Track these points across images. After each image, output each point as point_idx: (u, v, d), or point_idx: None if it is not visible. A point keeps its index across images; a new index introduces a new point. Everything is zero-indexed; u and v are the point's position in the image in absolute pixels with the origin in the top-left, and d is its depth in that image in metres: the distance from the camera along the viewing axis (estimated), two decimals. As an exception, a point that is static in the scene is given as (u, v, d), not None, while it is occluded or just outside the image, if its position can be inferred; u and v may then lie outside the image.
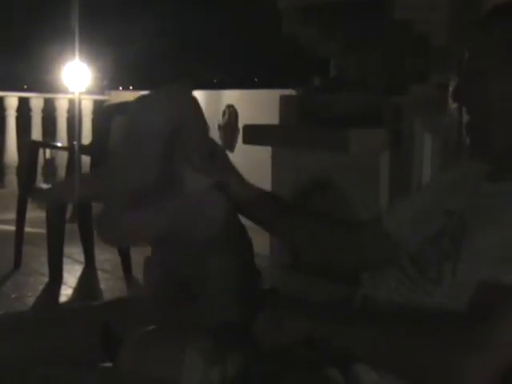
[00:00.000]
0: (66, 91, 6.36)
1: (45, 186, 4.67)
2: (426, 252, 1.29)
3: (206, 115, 1.52)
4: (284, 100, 3.95)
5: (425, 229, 1.34)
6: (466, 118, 1.31)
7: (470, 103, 1.29)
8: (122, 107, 4.66)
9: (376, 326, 1.18)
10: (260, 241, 1.78)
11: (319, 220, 1.63)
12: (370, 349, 1.17)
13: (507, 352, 1.07)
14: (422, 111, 3.15)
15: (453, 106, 2.73)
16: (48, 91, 7.39)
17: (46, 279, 3.98)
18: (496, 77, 1.23)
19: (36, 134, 6.71)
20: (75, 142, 5.33)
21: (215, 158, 1.51)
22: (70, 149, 5.00)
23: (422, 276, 1.27)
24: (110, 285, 4.06)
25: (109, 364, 1.53)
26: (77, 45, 5.47)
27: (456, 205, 1.31)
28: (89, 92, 6.70)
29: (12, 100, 6.72)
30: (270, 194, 1.66)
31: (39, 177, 5.99)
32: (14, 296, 3.75)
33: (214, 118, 6.02)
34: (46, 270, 4.03)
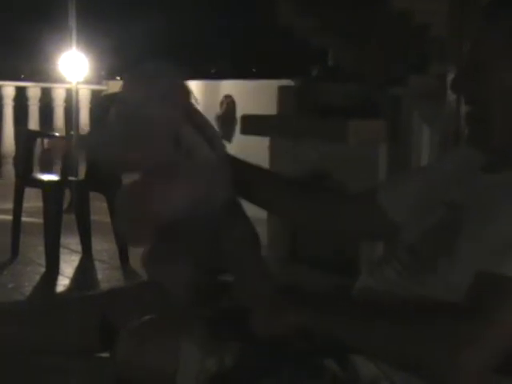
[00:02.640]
0: (63, 81, 6.34)
1: (41, 175, 4.66)
2: (425, 242, 1.29)
3: (203, 106, 1.50)
4: (282, 90, 3.94)
5: (424, 219, 1.34)
6: (464, 109, 1.30)
7: (470, 93, 1.28)
8: (119, 97, 4.65)
9: (373, 318, 1.18)
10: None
11: (312, 189, 1.61)
12: (368, 341, 1.17)
13: (503, 343, 1.06)
14: (421, 102, 3.15)
15: (451, 97, 2.72)
16: (45, 81, 7.37)
17: (43, 269, 3.98)
18: (499, 67, 1.22)
19: (33, 123, 6.70)
20: (72, 132, 5.31)
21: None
22: (66, 138, 4.98)
23: (420, 267, 1.26)
24: (107, 275, 4.06)
25: (105, 354, 1.53)
26: (74, 34, 5.45)
27: (455, 195, 1.31)
28: (86, 82, 6.68)
29: (9, 89, 6.70)
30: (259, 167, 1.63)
31: (36, 166, 5.98)
32: (10, 286, 3.74)
33: (211, 109, 6.01)
34: (43, 259, 4.02)
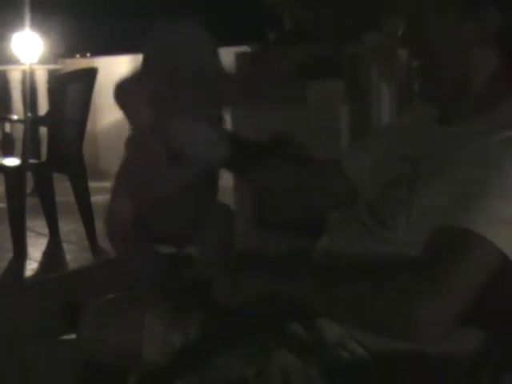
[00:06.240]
0: (18, 62, 6.23)
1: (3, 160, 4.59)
2: (383, 199, 1.29)
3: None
4: (239, 57, 3.91)
5: (382, 177, 1.34)
6: (415, 63, 1.30)
7: (416, 48, 1.27)
8: (75, 75, 4.58)
9: (334, 278, 1.17)
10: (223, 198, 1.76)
11: (285, 164, 1.62)
12: (328, 303, 1.16)
13: (462, 296, 1.06)
14: (377, 60, 3.14)
15: (402, 52, 2.72)
16: (0, 63, 7.23)
17: (10, 254, 3.92)
18: (441, 19, 1.22)
19: (-10, 107, 6.58)
20: (29, 114, 5.23)
21: None
22: (25, 121, 4.91)
23: (378, 224, 1.26)
24: (76, 256, 4.02)
25: (72, 335, 1.52)
26: (28, 12, 5.34)
27: (410, 151, 1.31)
28: (42, 62, 6.56)
29: (-37, 74, 6.56)
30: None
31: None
32: (-22, 273, 3.69)
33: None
34: (9, 245, 3.96)
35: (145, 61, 1.43)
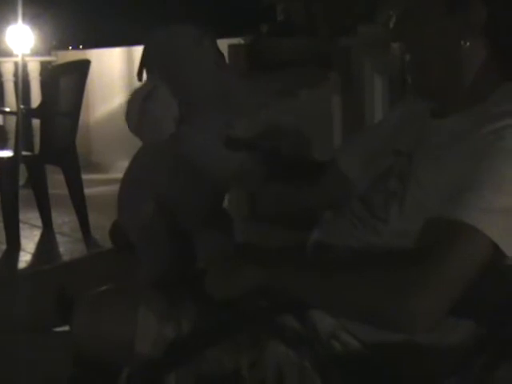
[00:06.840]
0: (10, 54, 6.21)
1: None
2: (376, 192, 1.29)
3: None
4: (233, 49, 3.90)
5: (374, 169, 1.34)
6: (407, 56, 1.30)
7: (407, 41, 1.27)
8: (68, 67, 4.57)
9: (327, 271, 1.18)
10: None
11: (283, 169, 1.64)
12: (322, 295, 1.16)
13: (454, 287, 1.06)
14: (370, 52, 3.14)
15: (395, 45, 2.72)
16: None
17: (3, 247, 3.92)
18: (432, 13, 1.22)
19: (-17, 100, 6.56)
20: (22, 106, 5.21)
21: None
22: (17, 113, 4.89)
23: (371, 215, 1.26)
24: (69, 248, 4.01)
25: (65, 327, 1.52)
26: (20, 5, 5.32)
27: (403, 144, 1.31)
28: (34, 54, 6.54)
29: (-44, 67, 6.53)
30: None
31: (-10, 143, 5.88)
32: (-29, 265, 3.69)
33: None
34: (2, 237, 3.96)
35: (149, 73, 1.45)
